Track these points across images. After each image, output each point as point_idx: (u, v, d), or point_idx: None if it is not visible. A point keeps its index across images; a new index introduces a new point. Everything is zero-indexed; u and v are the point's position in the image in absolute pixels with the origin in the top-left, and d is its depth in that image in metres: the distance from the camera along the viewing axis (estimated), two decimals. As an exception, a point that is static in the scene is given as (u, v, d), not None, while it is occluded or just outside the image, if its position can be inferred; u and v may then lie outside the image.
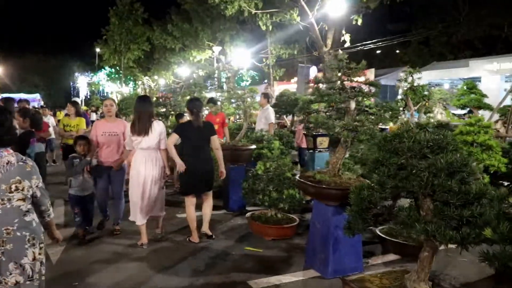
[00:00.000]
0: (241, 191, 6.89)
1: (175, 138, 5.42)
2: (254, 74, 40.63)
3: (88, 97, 54.17)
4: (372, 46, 27.15)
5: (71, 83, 67.61)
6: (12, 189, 2.67)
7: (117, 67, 32.40)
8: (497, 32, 32.87)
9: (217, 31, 24.65)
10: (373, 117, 4.02)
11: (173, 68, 31.86)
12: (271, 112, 9.52)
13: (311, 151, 9.33)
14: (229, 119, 13.34)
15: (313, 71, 29.93)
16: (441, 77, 25.54)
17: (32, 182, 2.77)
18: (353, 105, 4.24)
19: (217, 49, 25.33)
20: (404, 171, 3.12)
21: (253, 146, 7.19)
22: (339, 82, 4.51)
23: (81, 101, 53.20)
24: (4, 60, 61.17)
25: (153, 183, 5.41)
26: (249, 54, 25.14)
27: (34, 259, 2.75)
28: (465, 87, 11.88)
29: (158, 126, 5.40)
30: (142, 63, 36.46)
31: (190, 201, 5.62)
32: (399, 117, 4.69)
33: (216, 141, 5.62)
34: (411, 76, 7.49)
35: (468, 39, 34.09)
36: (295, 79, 32.72)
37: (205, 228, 5.84)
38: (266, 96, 9.74)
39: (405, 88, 7.56)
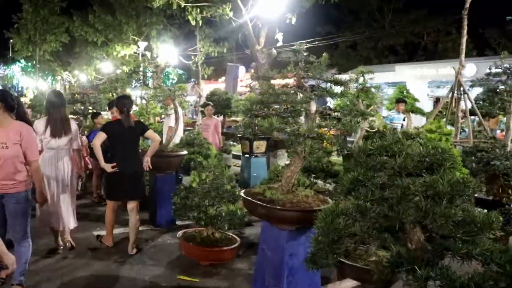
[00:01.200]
0: (171, 204, 5.98)
1: (102, 137, 5.00)
2: (180, 73, 39.26)
3: None
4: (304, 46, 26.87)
5: (-18, 76, 62.63)
6: None
7: (33, 60, 29.93)
8: (417, 39, 34.28)
9: (143, 25, 23.17)
10: (338, 123, 3.28)
11: (95, 63, 29.91)
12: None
13: (246, 155, 8.53)
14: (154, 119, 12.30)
15: (242, 71, 29.29)
16: (368, 81, 25.89)
17: None
18: (313, 107, 3.47)
19: (142, 44, 23.84)
20: (392, 194, 2.41)
21: (184, 152, 6.26)
22: (291, 80, 3.73)
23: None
24: None
25: (59, 187, 4.93)
26: (177, 51, 23.94)
27: None
28: (398, 91, 11.77)
29: (73, 125, 5.08)
30: (61, 56, 34.03)
31: (112, 205, 5.28)
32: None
33: (152, 134, 5.29)
34: (363, 76, 6.92)
35: (392, 45, 35.10)
36: (223, 78, 31.92)
37: (130, 247, 5.20)
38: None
39: (356, 90, 6.97)
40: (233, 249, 4.82)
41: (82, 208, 6.76)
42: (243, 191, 3.91)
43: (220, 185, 4.79)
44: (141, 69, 25.72)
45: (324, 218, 2.67)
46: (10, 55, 24.65)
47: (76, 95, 10.37)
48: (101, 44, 23.55)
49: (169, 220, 6.16)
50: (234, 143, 10.50)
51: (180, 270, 4.70)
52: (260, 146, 8.39)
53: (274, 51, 15.20)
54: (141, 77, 27.18)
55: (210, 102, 10.40)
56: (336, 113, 3.56)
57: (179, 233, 5.14)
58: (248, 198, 3.66)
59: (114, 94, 9.16)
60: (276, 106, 3.85)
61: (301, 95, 3.58)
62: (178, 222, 6.15)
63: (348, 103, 5.52)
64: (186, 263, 4.84)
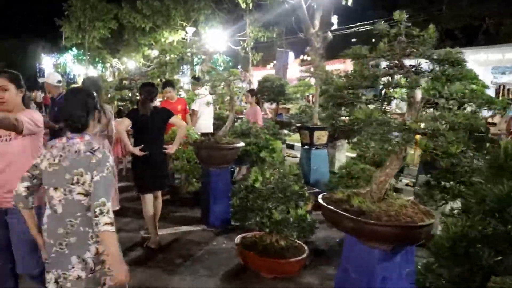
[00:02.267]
0: (226, 202, 5.35)
1: (126, 123, 4.72)
2: (227, 59, 38.60)
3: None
4: (362, 28, 25.69)
5: (37, 65, 64.43)
6: (74, 181, 2.43)
7: (84, 48, 30.10)
8: (478, 22, 32.07)
9: (191, 10, 22.65)
10: (456, 115, 2.47)
11: (143, 50, 29.76)
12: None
13: (306, 147, 7.78)
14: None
15: (291, 57, 28.39)
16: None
17: (92, 175, 2.42)
18: (419, 94, 2.67)
19: (190, 30, 23.34)
20: None
21: (241, 144, 5.57)
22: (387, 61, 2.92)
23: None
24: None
25: None
26: (225, 36, 23.32)
27: (97, 253, 2.51)
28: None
29: (107, 111, 5.04)
30: (110, 44, 34.11)
31: (147, 199, 4.82)
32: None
33: (177, 121, 4.98)
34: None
35: (449, 29, 33.11)
36: (271, 64, 31.07)
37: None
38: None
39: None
40: (301, 260, 4.10)
41: (127, 202, 6.24)
42: (321, 196, 3.17)
43: (287, 186, 4.06)
44: (188, 55, 25.30)
45: (457, 245, 1.91)
46: (63, 43, 24.75)
47: (124, 81, 9.90)
48: (149, 30, 23.22)
49: (224, 220, 5.52)
50: (290, 133, 9.72)
51: (239, 283, 4.04)
52: (321, 136, 7.62)
53: (330, 34, 14.23)
54: (189, 63, 26.77)
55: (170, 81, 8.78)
56: (443, 101, 2.73)
57: (237, 238, 4.47)
58: (330, 207, 2.92)
59: (162, 79, 8.61)
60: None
61: (399, 77, 2.80)
62: (234, 222, 5.51)
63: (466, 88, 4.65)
64: (246, 275, 4.17)
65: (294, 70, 29.00)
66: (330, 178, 5.26)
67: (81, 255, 2.46)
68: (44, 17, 21.81)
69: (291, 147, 13.48)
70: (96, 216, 2.32)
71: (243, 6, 15.79)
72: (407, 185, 7.97)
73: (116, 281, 2.42)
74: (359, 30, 29.33)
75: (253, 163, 6.75)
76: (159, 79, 7.92)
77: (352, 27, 24.56)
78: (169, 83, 7.53)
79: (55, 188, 2.46)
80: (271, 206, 4.05)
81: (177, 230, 5.45)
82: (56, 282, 2.49)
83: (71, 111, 2.51)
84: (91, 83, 5.11)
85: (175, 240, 5.13)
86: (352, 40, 37.52)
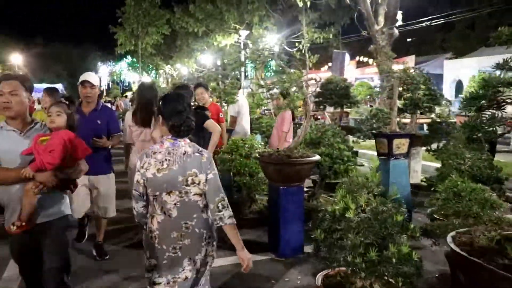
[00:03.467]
0: (299, 226, 4.49)
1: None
2: (282, 62, 37.66)
3: (109, 87, 52.44)
4: (427, 23, 24.12)
5: (94, 73, 66.25)
6: (189, 182, 2.50)
7: (138, 55, 30.30)
8: None
9: (245, 12, 22.03)
10: None
11: (196, 55, 29.61)
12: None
13: (383, 157, 6.77)
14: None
15: (347, 58, 27.31)
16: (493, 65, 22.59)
17: (205, 175, 2.54)
18: None
19: (244, 33, 22.70)
20: None
21: (316, 157, 4.68)
22: None
23: (104, 91, 51.74)
24: (27, 48, 60.19)
25: None
26: (280, 38, 22.51)
27: (206, 255, 2.61)
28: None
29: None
30: (163, 50, 34.29)
31: None
32: None
33: (211, 125, 5.01)
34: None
35: (516, 23, 30.68)
36: (325, 67, 29.97)
37: None
38: None
39: None
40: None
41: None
42: (451, 241, 2.24)
43: (388, 216, 3.13)
44: (242, 58, 24.73)
45: None
46: (118, 52, 24.83)
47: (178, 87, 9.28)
48: (201, 34, 22.84)
49: (295, 248, 4.67)
50: (359, 139, 8.69)
51: None
52: (401, 145, 6.57)
53: (396, 31, 13.11)
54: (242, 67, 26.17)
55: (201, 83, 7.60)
56: None
57: (319, 278, 3.56)
58: (484, 264, 1.98)
59: (219, 82, 7.95)
60: None
61: None
62: (307, 248, 4.65)
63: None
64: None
65: (351, 72, 27.81)
66: (432, 200, 4.25)
67: (193, 257, 2.55)
68: (102, 26, 21.70)
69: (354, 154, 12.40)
70: (220, 211, 2.50)
71: (300, 4, 14.96)
72: None
73: (244, 267, 2.60)
74: (420, 26, 27.74)
75: (324, 177, 5.84)
76: (215, 82, 7.24)
77: (423, 21, 22.99)
78: (202, 84, 6.74)
79: (169, 193, 2.51)
80: (366, 241, 3.13)
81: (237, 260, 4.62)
82: (166, 286, 2.54)
83: (185, 117, 2.57)
84: (146, 88, 4.93)
85: (239, 273, 4.29)
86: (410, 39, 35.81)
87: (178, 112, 2.58)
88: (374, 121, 8.37)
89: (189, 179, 2.51)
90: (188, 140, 2.62)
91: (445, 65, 25.91)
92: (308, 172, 4.72)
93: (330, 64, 27.71)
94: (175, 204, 2.51)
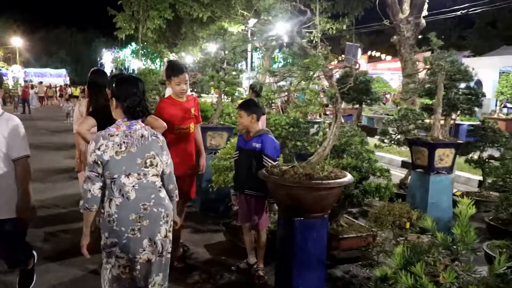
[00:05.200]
0: (319, 273, 3.14)
1: (91, 122, 3.73)
2: (289, 54, 36.08)
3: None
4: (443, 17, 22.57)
5: (98, 59, 65.40)
6: (147, 164, 2.58)
7: (143, 42, 28.83)
8: None
9: (253, -3, 20.59)
10: None
11: (200, 43, 28.31)
12: None
13: (420, 170, 5.40)
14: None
15: (359, 52, 26.00)
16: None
17: (163, 158, 2.66)
18: None
19: (251, 21, 21.28)
20: None
21: (349, 177, 3.28)
22: None
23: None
24: (29, 32, 59.01)
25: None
26: (289, 27, 21.04)
27: (165, 236, 2.66)
28: None
29: None
30: (168, 38, 32.92)
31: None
32: None
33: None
34: None
35: None
36: (335, 61, 28.54)
37: None
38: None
39: None
40: None
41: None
42: None
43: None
44: (249, 48, 23.40)
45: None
46: (123, 38, 23.35)
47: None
48: (207, 20, 21.42)
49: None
50: (383, 143, 7.25)
51: None
52: (445, 157, 5.21)
53: (423, 21, 11.65)
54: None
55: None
56: None
57: None
58: None
59: (218, 69, 6.63)
60: None
61: None
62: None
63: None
64: None
65: (361, 67, 26.31)
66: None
67: (153, 238, 2.58)
68: (106, 10, 20.25)
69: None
70: (176, 189, 2.77)
71: (314, -11, 13.54)
72: None
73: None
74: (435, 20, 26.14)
75: (350, 197, 4.44)
76: (213, 69, 5.87)
77: (440, 15, 21.49)
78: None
79: (128, 175, 2.53)
80: None
81: None
82: (126, 266, 2.58)
83: (140, 99, 2.60)
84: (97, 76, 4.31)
85: None
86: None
87: (133, 94, 2.59)
88: (403, 122, 6.99)
89: (148, 161, 2.58)
90: (142, 123, 2.65)
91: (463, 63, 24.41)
92: (336, 198, 3.35)
93: (340, 57, 26.32)
94: (133, 186, 2.54)
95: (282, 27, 14.91)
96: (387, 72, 28.75)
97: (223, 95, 6.05)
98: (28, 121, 4.21)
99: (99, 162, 2.50)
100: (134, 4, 20.52)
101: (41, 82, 34.19)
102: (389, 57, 29.07)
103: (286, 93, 8.91)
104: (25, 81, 35.53)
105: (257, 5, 20.56)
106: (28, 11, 70.98)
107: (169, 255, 2.71)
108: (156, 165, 2.60)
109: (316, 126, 8.30)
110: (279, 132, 6.51)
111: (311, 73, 3.21)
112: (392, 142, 7.00)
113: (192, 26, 27.40)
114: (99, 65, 66.00)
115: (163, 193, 2.66)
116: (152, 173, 2.59)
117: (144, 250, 2.56)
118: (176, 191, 2.78)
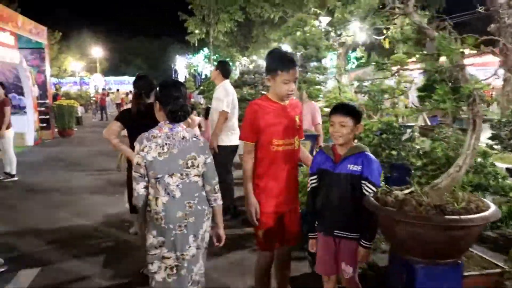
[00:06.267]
0: None
1: (116, 127, 3.92)
2: (402, 38, 34.28)
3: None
4: None
5: (172, 66, 67.32)
6: (189, 165, 2.66)
7: (216, 48, 28.86)
8: None
9: (327, -6, 19.64)
10: None
11: (272, 45, 27.78)
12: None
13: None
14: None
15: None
16: None
17: (204, 159, 2.72)
18: None
19: (325, 19, 20.31)
20: None
21: (493, 209, 2.35)
22: None
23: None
24: (109, 43, 62.11)
25: None
26: (365, 25, 19.87)
27: (205, 230, 2.77)
28: None
29: None
30: (239, 42, 32.83)
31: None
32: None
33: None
34: None
35: None
36: (413, 58, 26.81)
37: None
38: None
39: None
40: None
41: None
42: None
43: None
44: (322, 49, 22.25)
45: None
46: (195, 44, 23.24)
47: (245, 75, 7.27)
48: (278, 21, 20.76)
49: None
50: (492, 150, 6.08)
51: None
52: None
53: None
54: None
55: None
56: None
57: None
58: None
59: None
60: None
61: None
62: None
63: None
64: None
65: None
66: None
67: (196, 234, 2.69)
68: (179, 18, 20.30)
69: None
70: (216, 193, 2.76)
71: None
72: None
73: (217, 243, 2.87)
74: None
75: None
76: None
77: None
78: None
79: (171, 175, 2.63)
80: None
81: None
82: (173, 267, 2.65)
83: (182, 103, 2.68)
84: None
85: None
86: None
87: (175, 98, 2.68)
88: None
89: (189, 162, 2.66)
90: (184, 126, 2.75)
91: None
92: (477, 238, 2.44)
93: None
94: (177, 185, 2.64)
95: (356, 24, 13.66)
96: (471, 69, 26.57)
97: (304, 97, 5.25)
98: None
99: (142, 163, 2.63)
100: (204, 8, 20.38)
101: (118, 90, 35.25)
102: (474, 51, 26.85)
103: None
104: (103, 89, 36.87)
105: (331, 2, 19.53)
106: (107, 23, 74.55)
107: (206, 246, 2.82)
108: (198, 166, 2.69)
109: (409, 130, 7.26)
110: (369, 140, 5.63)
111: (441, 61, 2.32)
112: (506, 148, 5.84)
113: (263, 28, 27.06)
114: (173, 71, 67.98)
115: (204, 192, 2.76)
116: (194, 173, 2.68)
117: (190, 247, 2.66)
118: (216, 195, 2.76)
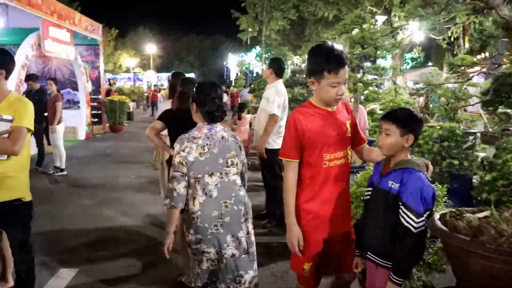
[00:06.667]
0: None
1: (158, 126, 3.91)
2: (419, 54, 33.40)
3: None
4: None
5: (224, 63, 67.98)
6: (229, 164, 2.73)
7: (267, 46, 28.64)
8: None
9: (384, -8, 18.94)
10: None
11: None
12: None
13: None
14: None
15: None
16: None
17: (242, 157, 2.84)
18: None
19: (380, 18, 19.64)
20: None
21: None
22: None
23: (232, 81, 52.12)
24: (162, 40, 63.47)
25: None
26: (424, 24, 18.98)
27: (247, 233, 2.77)
28: None
29: None
30: (292, 40, 32.52)
31: None
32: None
33: None
34: None
35: None
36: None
37: None
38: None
39: None
40: None
41: None
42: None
43: None
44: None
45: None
46: (247, 41, 23.08)
47: (297, 74, 6.96)
48: (332, 19, 20.26)
49: None
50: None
51: None
52: None
53: None
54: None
55: None
56: None
57: None
58: None
59: (355, 69, 5.45)
60: None
61: None
62: None
63: None
64: None
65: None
66: None
67: (235, 234, 2.70)
68: (231, 16, 20.31)
69: None
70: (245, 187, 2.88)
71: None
72: None
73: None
74: None
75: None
76: (350, 70, 4.85)
77: None
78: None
79: (211, 174, 2.68)
80: None
81: None
82: (214, 259, 2.70)
83: (218, 103, 2.76)
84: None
85: None
86: None
87: (211, 99, 2.74)
88: None
89: (229, 161, 2.73)
90: (222, 126, 2.80)
91: None
92: None
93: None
94: (216, 185, 2.68)
95: (415, 25, 12.88)
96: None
97: (360, 99, 4.89)
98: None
99: (184, 163, 2.65)
100: (257, 6, 20.20)
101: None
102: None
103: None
104: (155, 85, 37.53)
105: (387, 0, 18.79)
106: (161, 21, 76.18)
107: (254, 250, 2.81)
108: (237, 164, 2.77)
109: (471, 137, 6.71)
110: (429, 147, 5.18)
111: None
112: None
113: (316, 27, 26.50)
114: (224, 69, 68.59)
115: (242, 192, 2.81)
116: (233, 172, 2.76)
117: (228, 246, 2.67)
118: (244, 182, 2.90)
